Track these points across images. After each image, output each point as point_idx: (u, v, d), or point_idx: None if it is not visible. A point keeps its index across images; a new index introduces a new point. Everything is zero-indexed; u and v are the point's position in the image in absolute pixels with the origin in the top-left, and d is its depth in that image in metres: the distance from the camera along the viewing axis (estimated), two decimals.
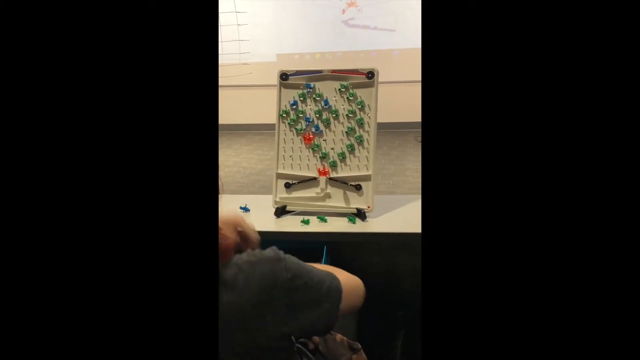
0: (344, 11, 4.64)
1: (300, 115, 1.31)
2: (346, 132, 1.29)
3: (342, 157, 1.30)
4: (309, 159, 1.32)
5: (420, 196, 1.40)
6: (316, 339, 0.94)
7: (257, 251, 0.71)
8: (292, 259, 0.71)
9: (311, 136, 1.31)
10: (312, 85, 1.29)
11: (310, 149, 1.31)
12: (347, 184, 1.30)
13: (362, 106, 1.27)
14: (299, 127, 1.31)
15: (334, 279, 0.75)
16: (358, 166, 1.30)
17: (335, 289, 0.74)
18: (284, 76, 1.30)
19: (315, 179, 1.32)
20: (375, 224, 1.26)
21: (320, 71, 1.29)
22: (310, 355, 0.90)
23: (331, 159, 1.31)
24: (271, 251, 0.71)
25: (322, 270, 0.76)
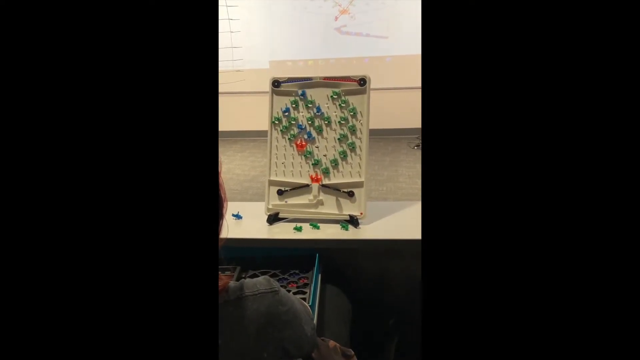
0: (336, 18, 4.66)
1: (293, 122, 1.31)
2: (338, 138, 1.30)
3: (335, 163, 1.30)
4: (301, 166, 1.32)
5: (412, 202, 1.41)
6: None
7: (251, 282, 0.71)
8: (282, 290, 0.73)
9: (303, 143, 1.31)
10: (304, 92, 1.30)
11: (302, 156, 1.32)
12: (340, 190, 1.30)
13: (354, 113, 1.28)
14: (291, 134, 1.32)
15: (304, 303, 0.82)
16: (350, 173, 1.30)
17: (308, 312, 0.81)
18: (275, 83, 1.31)
19: (307, 185, 1.32)
20: (368, 231, 1.26)
21: (312, 78, 1.29)
22: None
23: (323, 166, 1.31)
24: (265, 282, 0.72)
25: (294, 296, 0.82)
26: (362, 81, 1.26)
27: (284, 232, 1.27)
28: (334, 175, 1.31)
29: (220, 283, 0.66)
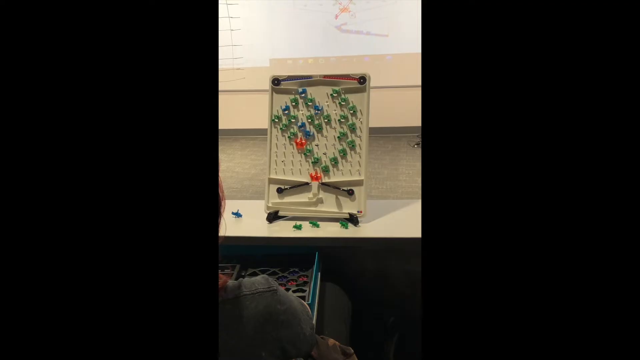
0: (336, 16, 4.66)
1: (293, 120, 1.31)
2: (338, 137, 1.30)
3: (335, 162, 1.30)
4: (301, 164, 1.32)
5: (412, 200, 1.41)
6: None
7: (249, 281, 0.71)
8: (280, 289, 0.74)
9: (303, 141, 1.31)
10: (304, 90, 1.29)
11: (302, 154, 1.32)
12: (340, 189, 1.30)
13: (354, 111, 1.28)
14: (291, 132, 1.32)
15: (303, 303, 0.82)
16: (350, 171, 1.30)
17: (307, 311, 0.81)
18: (275, 81, 1.31)
19: (307, 184, 1.32)
20: (368, 229, 1.26)
21: (312, 76, 1.29)
22: None
23: (323, 164, 1.31)
24: (264, 281, 0.72)
25: (293, 295, 0.83)
26: (362, 79, 1.26)
27: (283, 230, 1.28)
28: (334, 174, 1.31)
29: (219, 282, 0.66)
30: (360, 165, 1.29)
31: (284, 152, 1.33)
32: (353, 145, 1.29)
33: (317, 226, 1.28)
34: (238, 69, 4.87)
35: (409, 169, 3.91)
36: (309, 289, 1.12)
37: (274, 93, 1.32)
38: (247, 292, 0.68)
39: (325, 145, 1.31)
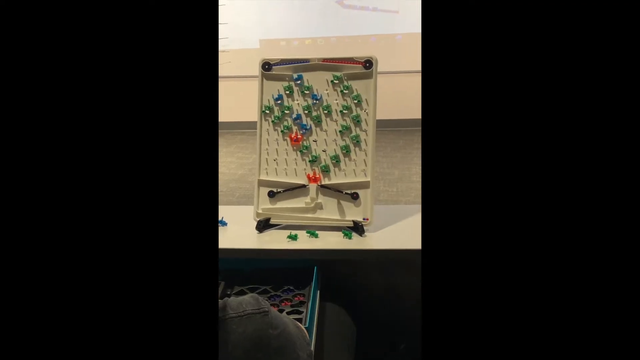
0: None
1: (286, 111, 1.31)
2: (340, 131, 1.30)
3: (336, 160, 1.30)
4: (296, 163, 1.32)
5: None
6: None
7: (236, 301, 0.71)
8: (273, 310, 0.74)
9: (299, 136, 1.31)
10: (300, 77, 1.29)
11: (298, 152, 1.32)
12: (342, 192, 1.30)
13: (358, 101, 1.28)
14: (284, 125, 1.32)
15: (299, 326, 0.84)
16: (354, 171, 1.30)
17: (303, 335, 0.82)
18: (266, 66, 1.31)
19: (304, 186, 1.32)
20: (375, 239, 1.26)
21: (309, 60, 1.29)
22: None
23: (323, 163, 1.31)
24: (253, 300, 0.72)
25: (288, 317, 0.84)
26: (368, 63, 1.26)
27: (276, 241, 1.27)
28: (335, 175, 1.31)
29: None
30: (366, 165, 1.29)
31: (277, 149, 1.33)
32: (357, 141, 1.29)
33: (316, 236, 1.28)
34: (222, 51, 4.87)
35: None
36: (306, 310, 1.12)
37: (264, 80, 1.32)
38: (234, 314, 0.68)
39: (325, 141, 1.31)
